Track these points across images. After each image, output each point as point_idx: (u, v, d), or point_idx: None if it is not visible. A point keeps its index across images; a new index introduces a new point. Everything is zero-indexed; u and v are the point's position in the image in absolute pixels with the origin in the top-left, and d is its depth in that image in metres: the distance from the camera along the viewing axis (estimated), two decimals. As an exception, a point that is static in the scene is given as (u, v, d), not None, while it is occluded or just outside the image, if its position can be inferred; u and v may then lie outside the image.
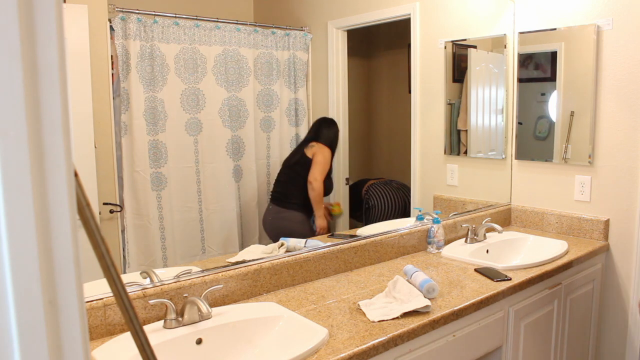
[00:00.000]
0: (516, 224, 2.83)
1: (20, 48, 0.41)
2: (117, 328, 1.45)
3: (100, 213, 2.01)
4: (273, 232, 2.44)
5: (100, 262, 0.63)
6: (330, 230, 2.55)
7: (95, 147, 1.98)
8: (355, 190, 3.07)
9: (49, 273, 0.44)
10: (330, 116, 2.94)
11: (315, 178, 2.46)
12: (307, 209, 2.45)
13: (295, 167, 2.54)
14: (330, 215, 2.63)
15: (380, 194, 3.07)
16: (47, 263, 0.43)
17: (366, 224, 2.83)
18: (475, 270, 2.05)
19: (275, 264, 1.82)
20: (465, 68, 2.82)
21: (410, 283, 1.79)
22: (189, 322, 1.47)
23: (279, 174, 2.59)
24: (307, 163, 2.49)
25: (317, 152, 2.50)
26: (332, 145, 2.61)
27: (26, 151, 0.42)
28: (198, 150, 2.42)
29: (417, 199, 2.80)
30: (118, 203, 2.12)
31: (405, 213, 2.96)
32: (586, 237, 2.53)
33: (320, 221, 2.44)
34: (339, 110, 2.92)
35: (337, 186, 2.95)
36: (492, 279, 1.94)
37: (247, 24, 2.61)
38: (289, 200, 2.49)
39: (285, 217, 2.47)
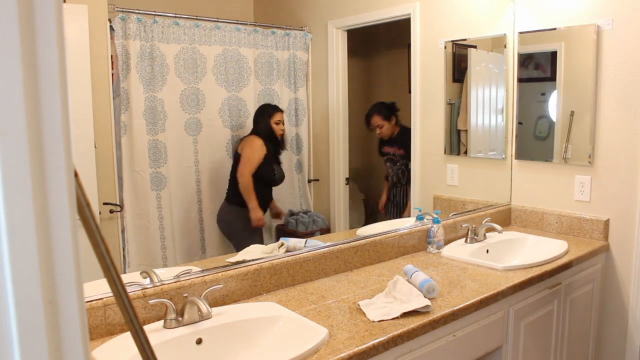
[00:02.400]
0: (516, 224, 2.83)
1: (20, 48, 0.41)
2: (117, 328, 1.45)
3: (100, 213, 2.01)
4: (220, 225, 2.47)
5: (100, 262, 0.63)
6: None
7: (95, 147, 1.98)
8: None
9: (49, 273, 0.44)
10: (330, 116, 2.93)
11: (242, 174, 2.45)
12: (244, 204, 2.47)
13: (234, 164, 2.55)
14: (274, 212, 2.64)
15: None
16: (47, 263, 0.43)
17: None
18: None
19: (275, 264, 1.82)
20: (465, 68, 2.82)
21: (410, 283, 1.79)
22: (189, 322, 1.47)
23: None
24: (237, 158, 2.50)
25: (245, 146, 2.50)
26: (262, 132, 2.55)
27: (26, 151, 0.42)
28: (198, 150, 2.42)
29: (417, 199, 2.79)
30: (118, 203, 2.12)
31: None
32: (586, 237, 2.53)
33: (253, 214, 2.44)
34: (339, 110, 2.92)
35: (337, 187, 2.95)
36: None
37: (247, 24, 2.61)
38: (230, 196, 2.49)
39: (227, 212, 2.48)
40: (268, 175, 2.55)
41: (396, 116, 2.96)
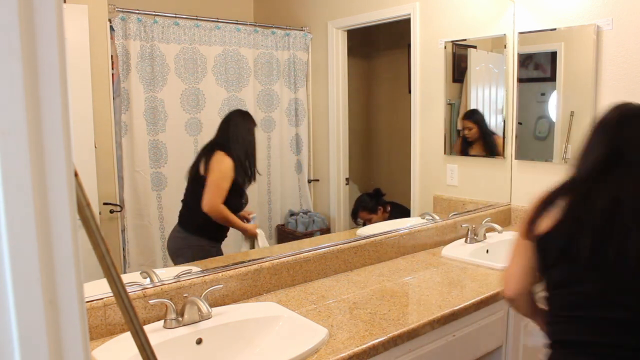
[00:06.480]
0: (516, 223, 2.82)
1: (20, 48, 0.41)
2: (117, 328, 1.45)
3: (100, 213, 2.01)
4: (174, 254, 2.12)
5: (100, 262, 0.63)
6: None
7: (95, 147, 1.98)
8: None
9: (49, 273, 0.44)
10: (330, 116, 2.93)
11: (210, 205, 2.01)
12: (212, 234, 2.10)
13: (192, 184, 2.11)
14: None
15: None
16: (47, 263, 0.43)
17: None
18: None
19: (276, 264, 1.82)
20: (465, 68, 2.82)
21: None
22: (189, 322, 1.47)
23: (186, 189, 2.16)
24: (200, 181, 2.03)
25: (211, 168, 2.03)
26: (236, 149, 2.10)
27: (26, 151, 0.42)
28: (198, 150, 2.42)
29: (417, 199, 2.79)
30: (118, 203, 2.12)
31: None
32: (586, 237, 2.53)
33: (250, 233, 2.16)
34: (339, 110, 2.92)
35: (337, 187, 2.95)
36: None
37: (247, 24, 2.61)
38: (190, 223, 2.09)
39: (181, 239, 2.11)
40: (235, 203, 2.12)
41: (383, 204, 2.81)
